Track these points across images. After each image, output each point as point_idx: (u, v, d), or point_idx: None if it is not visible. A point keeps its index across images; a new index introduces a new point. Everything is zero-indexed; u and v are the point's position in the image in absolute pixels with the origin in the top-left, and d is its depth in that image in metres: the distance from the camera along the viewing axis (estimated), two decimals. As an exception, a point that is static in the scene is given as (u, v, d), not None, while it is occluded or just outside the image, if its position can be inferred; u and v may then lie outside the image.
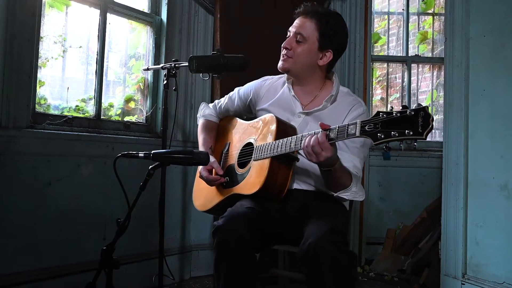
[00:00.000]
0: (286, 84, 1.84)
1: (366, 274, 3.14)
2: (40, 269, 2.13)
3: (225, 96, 2.04)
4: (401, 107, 1.21)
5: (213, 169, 1.81)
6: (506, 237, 2.14)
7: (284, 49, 1.75)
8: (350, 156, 1.62)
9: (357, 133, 1.28)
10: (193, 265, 2.92)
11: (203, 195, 1.94)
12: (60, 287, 2.19)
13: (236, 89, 2.01)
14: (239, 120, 1.98)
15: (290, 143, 1.52)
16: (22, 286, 2.06)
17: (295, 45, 1.72)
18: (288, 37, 1.77)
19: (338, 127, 1.36)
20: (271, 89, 1.88)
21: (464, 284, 2.31)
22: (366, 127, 1.26)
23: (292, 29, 1.76)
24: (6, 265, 2.02)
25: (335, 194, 1.55)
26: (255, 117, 1.88)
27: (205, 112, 2.06)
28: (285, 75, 1.85)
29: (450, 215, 2.45)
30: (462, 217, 2.35)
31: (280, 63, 1.76)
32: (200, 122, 2.06)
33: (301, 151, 1.57)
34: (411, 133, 1.16)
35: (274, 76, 1.94)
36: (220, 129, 2.05)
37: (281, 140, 1.56)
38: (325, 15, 1.73)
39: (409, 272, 2.98)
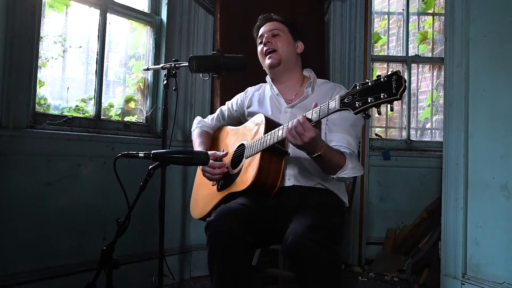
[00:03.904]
0: (268, 86, 1.93)
1: (366, 274, 3.14)
2: (40, 269, 2.13)
3: (217, 110, 2.16)
4: (375, 77, 1.26)
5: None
6: (506, 237, 2.14)
7: (265, 47, 1.86)
8: (342, 135, 1.67)
9: (337, 106, 1.33)
10: (193, 265, 2.92)
11: (200, 203, 1.95)
12: (60, 287, 2.19)
13: (226, 103, 2.12)
14: (230, 128, 2.04)
15: (278, 132, 1.55)
16: (23, 286, 2.06)
17: (274, 39, 1.86)
18: (260, 42, 1.90)
19: (320, 106, 1.40)
20: (255, 96, 1.98)
21: (464, 284, 2.31)
22: (345, 100, 1.30)
23: (263, 33, 1.90)
24: (7, 265, 2.02)
25: (335, 177, 1.57)
26: None
27: (200, 123, 2.14)
28: (266, 81, 1.95)
29: (450, 215, 2.45)
30: (462, 217, 2.35)
31: (268, 61, 1.86)
32: (196, 131, 2.12)
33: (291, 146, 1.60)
34: (386, 95, 1.20)
35: (255, 86, 2.05)
36: (214, 139, 2.11)
37: (268, 134, 1.59)
38: (282, 16, 1.93)
39: (409, 272, 2.98)
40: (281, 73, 1.88)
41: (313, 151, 1.45)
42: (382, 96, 1.21)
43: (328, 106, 1.36)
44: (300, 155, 1.68)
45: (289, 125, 1.44)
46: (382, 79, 1.22)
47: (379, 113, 1.28)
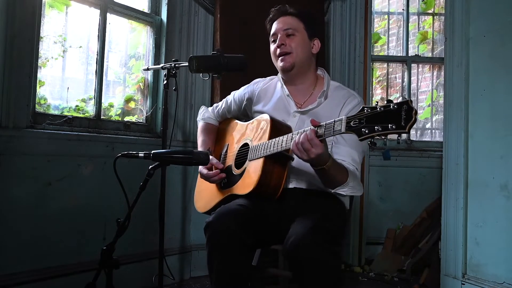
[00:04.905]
0: (280, 84, 1.86)
1: (366, 274, 3.14)
2: (40, 269, 2.13)
3: (223, 100, 2.08)
4: (386, 102, 1.20)
5: (213, 166, 1.81)
6: (506, 237, 2.14)
7: (278, 49, 1.76)
8: (348, 150, 1.62)
9: (343, 129, 1.28)
10: (193, 265, 2.92)
11: (204, 197, 1.94)
12: (60, 287, 2.19)
13: (232, 93, 2.04)
14: (237, 122, 2.00)
15: (282, 141, 1.52)
16: (22, 286, 2.06)
17: (288, 40, 1.76)
18: (273, 41, 1.80)
19: (325, 123, 1.36)
20: (264, 91, 1.91)
21: (464, 284, 2.31)
22: (352, 123, 1.25)
23: (276, 31, 1.79)
24: (6, 265, 2.02)
25: (332, 191, 1.55)
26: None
27: (205, 115, 2.09)
28: (277, 76, 1.89)
29: (450, 215, 2.45)
30: (462, 217, 2.35)
31: (281, 64, 1.76)
32: (200, 124, 2.08)
33: None
34: (394, 127, 1.15)
35: (265, 78, 1.97)
36: (219, 131, 2.07)
37: (273, 140, 1.56)
38: (299, 9, 1.81)
39: (409, 272, 2.98)
40: (294, 76, 1.80)
41: (318, 165, 1.43)
42: (389, 127, 1.16)
43: (333, 127, 1.31)
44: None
45: (296, 139, 1.39)
46: (391, 107, 1.16)
47: (385, 144, 1.24)
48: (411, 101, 1.16)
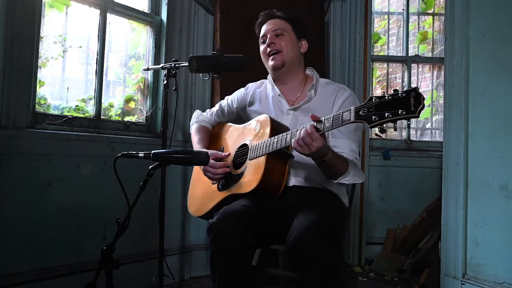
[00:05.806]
0: (270, 85, 1.90)
1: (366, 274, 3.14)
2: (40, 269, 2.13)
3: (216, 104, 2.12)
4: (392, 91, 1.23)
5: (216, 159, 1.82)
6: (506, 237, 2.14)
7: (268, 48, 1.82)
8: (346, 142, 1.66)
9: (352, 119, 1.30)
10: (193, 265, 2.92)
11: (198, 200, 1.94)
12: (60, 287, 2.19)
13: (226, 98, 2.08)
14: (232, 125, 2.02)
15: (286, 137, 1.54)
16: (22, 286, 2.06)
17: (278, 39, 1.82)
18: (263, 42, 1.86)
19: (332, 116, 1.38)
20: (256, 94, 1.95)
21: (464, 284, 2.31)
22: (360, 112, 1.28)
23: (266, 32, 1.85)
24: (6, 265, 2.02)
25: (335, 181, 1.58)
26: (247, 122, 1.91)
27: (199, 118, 2.11)
28: (267, 79, 1.93)
29: (450, 215, 2.45)
30: (462, 217, 2.35)
31: (272, 62, 1.81)
32: (194, 126, 2.10)
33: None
34: (404, 112, 1.18)
35: (256, 82, 2.02)
36: (213, 135, 2.09)
37: (276, 136, 1.58)
38: (285, 13, 1.88)
39: (409, 272, 2.98)
40: (285, 75, 1.84)
41: (319, 158, 1.46)
42: (400, 113, 1.19)
43: (342, 117, 1.34)
44: (302, 157, 1.68)
45: (296, 135, 1.42)
46: (400, 95, 1.20)
47: (395, 129, 1.28)
48: (418, 88, 1.20)
